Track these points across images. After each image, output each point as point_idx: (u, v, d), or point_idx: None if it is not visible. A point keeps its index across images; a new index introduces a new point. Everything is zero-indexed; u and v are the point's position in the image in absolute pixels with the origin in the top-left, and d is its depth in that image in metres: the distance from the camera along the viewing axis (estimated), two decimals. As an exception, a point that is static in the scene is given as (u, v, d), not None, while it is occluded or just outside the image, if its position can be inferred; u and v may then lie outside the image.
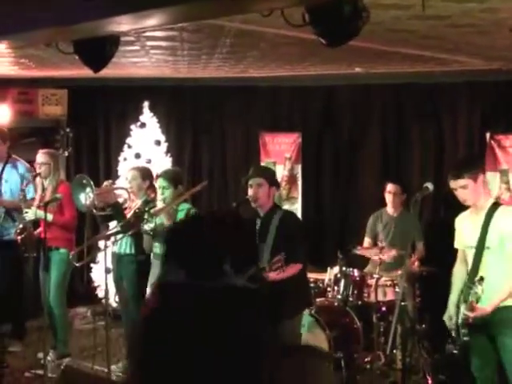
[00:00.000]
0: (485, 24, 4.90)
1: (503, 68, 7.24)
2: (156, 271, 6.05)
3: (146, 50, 6.38)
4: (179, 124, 9.42)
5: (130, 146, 8.50)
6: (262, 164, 8.79)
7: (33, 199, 6.74)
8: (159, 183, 6.01)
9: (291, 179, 8.93)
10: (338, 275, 6.58)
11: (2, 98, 8.73)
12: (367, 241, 7.31)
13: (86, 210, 6.12)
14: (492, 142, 7.85)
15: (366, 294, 6.51)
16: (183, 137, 9.45)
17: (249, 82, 9.03)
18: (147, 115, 8.55)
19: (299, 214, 8.55)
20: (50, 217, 6.20)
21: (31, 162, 7.03)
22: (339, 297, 6.52)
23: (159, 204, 5.97)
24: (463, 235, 4.81)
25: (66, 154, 8.68)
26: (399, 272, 6.39)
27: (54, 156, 6.77)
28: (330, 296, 6.66)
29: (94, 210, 6.09)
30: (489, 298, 4.50)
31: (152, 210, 5.86)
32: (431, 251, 7.08)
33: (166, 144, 8.65)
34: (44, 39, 5.03)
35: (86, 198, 5.94)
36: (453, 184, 4.62)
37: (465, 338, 4.60)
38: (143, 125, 8.51)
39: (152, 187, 6.39)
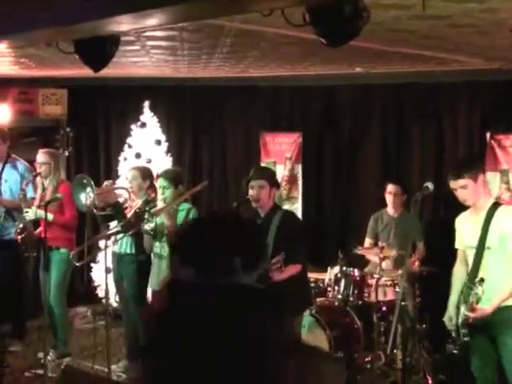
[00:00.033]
0: (485, 24, 4.90)
1: (503, 68, 7.25)
2: (156, 271, 6.05)
3: (146, 49, 6.38)
4: (179, 124, 9.42)
5: (130, 146, 8.50)
6: (262, 164, 8.80)
7: (33, 199, 6.74)
8: (160, 183, 6.01)
9: (291, 179, 8.93)
10: (339, 275, 6.58)
11: (3, 98, 8.73)
12: (368, 241, 7.31)
13: (86, 210, 6.13)
14: (492, 141, 7.84)
15: (366, 294, 6.51)
16: (183, 136, 9.45)
17: (249, 82, 9.03)
18: (147, 115, 8.55)
19: (299, 214, 8.55)
20: (50, 216, 6.20)
21: (31, 162, 7.03)
22: (339, 297, 6.52)
23: (160, 204, 5.97)
24: (463, 235, 4.80)
25: (67, 153, 8.68)
26: (399, 272, 6.39)
27: (55, 156, 6.77)
28: (330, 296, 6.67)
29: (95, 210, 6.09)
30: (489, 299, 4.50)
31: (152, 210, 5.86)
32: (431, 251, 7.09)
33: (167, 144, 8.65)
34: (44, 39, 5.03)
35: (86, 197, 5.94)
36: (453, 184, 4.62)
37: (465, 339, 4.60)
38: (143, 124, 8.51)
39: (152, 187, 6.39)
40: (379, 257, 6.51)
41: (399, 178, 8.11)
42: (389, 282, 6.53)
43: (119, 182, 7.79)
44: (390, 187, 7.24)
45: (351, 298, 6.50)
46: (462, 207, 4.80)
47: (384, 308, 6.44)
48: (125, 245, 6.35)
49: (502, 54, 6.41)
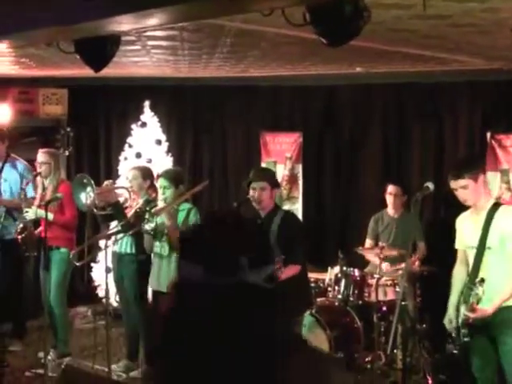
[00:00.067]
0: (486, 24, 4.90)
1: (504, 68, 7.24)
2: (156, 270, 6.05)
3: (146, 49, 6.37)
4: (180, 123, 9.42)
5: (130, 146, 8.50)
6: (263, 164, 8.80)
7: (33, 198, 6.74)
8: (160, 183, 6.01)
9: (292, 179, 8.92)
10: (339, 275, 6.58)
11: (3, 98, 8.73)
12: (369, 242, 7.31)
13: (86, 210, 6.13)
14: (493, 141, 7.84)
15: (366, 294, 6.52)
16: (184, 136, 9.44)
17: (249, 82, 9.02)
18: (148, 115, 8.54)
19: (300, 214, 8.56)
20: (50, 216, 6.20)
21: (32, 162, 7.03)
22: (340, 296, 6.52)
23: (160, 204, 5.96)
24: (464, 235, 4.80)
25: (67, 153, 8.68)
26: (400, 272, 6.39)
27: (55, 155, 6.77)
28: (330, 296, 6.67)
29: (95, 210, 6.09)
30: (490, 299, 4.49)
31: (153, 210, 5.86)
32: (432, 251, 7.09)
33: (167, 143, 8.64)
34: (45, 39, 5.03)
35: (86, 197, 5.94)
36: (453, 184, 4.61)
37: (465, 339, 4.60)
38: (144, 124, 8.50)
39: (153, 187, 6.39)
40: (379, 257, 6.51)
41: (400, 177, 8.12)
42: (389, 282, 6.54)
43: (119, 182, 7.79)
44: (391, 188, 7.24)
45: (351, 298, 6.50)
46: (463, 207, 4.80)
47: (384, 308, 6.44)
48: (125, 244, 6.35)
49: (503, 54, 6.40)
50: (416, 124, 8.69)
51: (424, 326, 6.34)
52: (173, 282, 5.78)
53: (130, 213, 6.13)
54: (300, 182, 8.95)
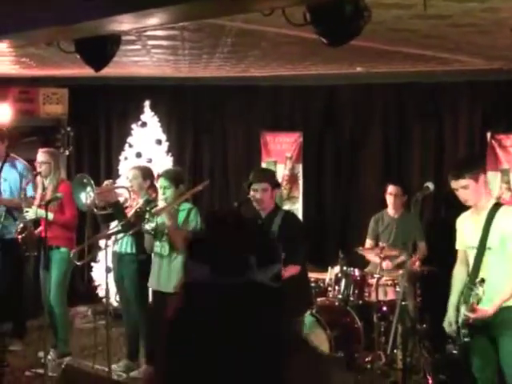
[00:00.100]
0: (486, 24, 4.90)
1: (504, 68, 7.24)
2: (156, 270, 6.05)
3: (147, 49, 6.37)
4: (180, 123, 9.42)
5: (130, 145, 8.50)
6: (263, 164, 8.80)
7: (33, 198, 6.74)
8: (160, 183, 6.01)
9: (292, 179, 8.92)
10: (339, 275, 6.58)
11: (3, 97, 8.73)
12: (369, 242, 7.31)
13: (86, 209, 6.13)
14: (493, 141, 7.84)
15: (366, 294, 6.52)
16: (184, 136, 9.44)
17: (250, 82, 9.02)
18: (148, 114, 8.54)
19: (300, 214, 8.56)
20: (50, 216, 6.19)
21: (32, 161, 7.03)
22: (340, 296, 6.52)
23: (160, 204, 5.96)
24: (464, 236, 4.79)
25: (67, 153, 8.69)
26: (400, 272, 6.39)
27: (55, 155, 6.77)
28: (330, 296, 6.67)
29: (95, 209, 6.09)
30: (490, 299, 4.49)
31: (153, 210, 5.86)
32: (432, 251, 7.09)
33: (167, 143, 8.64)
34: (45, 38, 5.03)
35: (86, 197, 5.94)
36: (454, 184, 4.61)
37: (465, 339, 4.60)
38: (144, 124, 8.50)
39: (153, 187, 6.39)
40: (380, 257, 6.51)
41: (400, 177, 8.12)
42: (389, 282, 6.54)
43: (120, 182, 7.79)
44: (391, 188, 7.24)
45: (352, 298, 6.50)
46: (463, 207, 4.80)
47: (384, 308, 6.44)
48: (125, 244, 6.35)
49: (503, 54, 6.40)
50: (416, 124, 8.69)
51: (424, 325, 6.34)
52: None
53: (130, 212, 6.13)
54: (300, 181, 8.95)
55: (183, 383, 1.87)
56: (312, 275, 6.60)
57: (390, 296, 6.48)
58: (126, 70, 8.02)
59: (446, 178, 4.76)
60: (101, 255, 7.58)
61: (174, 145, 8.98)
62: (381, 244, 6.86)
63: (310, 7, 3.73)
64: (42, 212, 6.29)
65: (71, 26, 4.31)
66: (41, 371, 6.04)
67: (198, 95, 9.24)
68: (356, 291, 6.51)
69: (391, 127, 8.89)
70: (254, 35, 5.51)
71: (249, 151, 9.30)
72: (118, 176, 8.33)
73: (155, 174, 6.56)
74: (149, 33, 5.36)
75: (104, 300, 6.55)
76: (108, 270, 5.93)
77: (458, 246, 4.87)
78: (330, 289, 6.70)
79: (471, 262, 4.66)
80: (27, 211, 6.54)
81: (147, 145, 8.45)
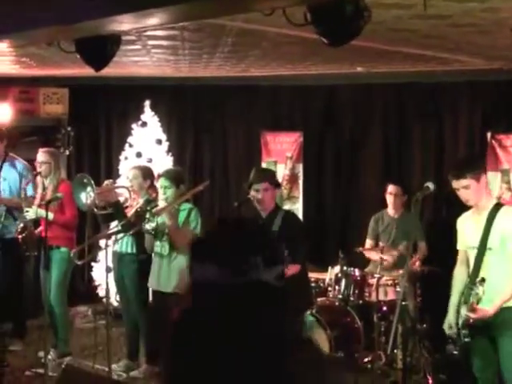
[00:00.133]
0: (486, 24, 4.90)
1: (504, 68, 7.24)
2: (156, 270, 6.05)
3: (147, 49, 6.37)
4: (180, 123, 9.42)
5: (131, 145, 8.50)
6: (263, 164, 8.80)
7: (33, 198, 6.74)
8: (161, 183, 6.01)
9: (292, 178, 8.92)
10: (339, 275, 6.58)
11: (4, 97, 8.73)
12: (369, 242, 7.31)
13: (86, 209, 6.13)
14: (493, 141, 7.84)
15: (366, 294, 6.52)
16: (184, 136, 9.44)
17: (250, 82, 9.02)
18: (148, 114, 8.54)
19: (300, 214, 8.56)
20: (50, 216, 6.19)
21: (32, 161, 7.03)
22: (340, 296, 6.52)
23: (161, 204, 5.96)
24: (465, 236, 4.79)
25: (67, 152, 8.69)
26: (400, 272, 6.39)
27: (55, 155, 6.77)
28: (330, 295, 6.66)
29: (95, 209, 6.09)
30: (490, 299, 4.49)
31: (154, 210, 5.86)
32: (433, 251, 7.08)
33: (167, 143, 8.64)
34: (45, 38, 5.03)
35: (86, 197, 5.94)
36: (455, 184, 4.61)
37: (466, 339, 4.60)
38: (144, 124, 8.50)
39: (153, 187, 6.39)
40: (380, 257, 6.51)
41: (400, 177, 8.12)
42: (389, 282, 6.54)
43: (120, 182, 7.78)
44: (391, 188, 7.24)
45: (352, 298, 6.50)
46: (463, 207, 4.80)
47: (385, 308, 6.44)
48: (125, 244, 6.35)
49: (503, 54, 6.40)
50: (416, 124, 8.69)
51: (424, 325, 6.34)
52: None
53: (130, 212, 6.13)
54: (300, 181, 8.95)
55: (186, 383, 1.88)
56: (312, 275, 6.60)
57: (390, 296, 6.48)
58: (127, 70, 8.02)
59: (446, 178, 4.76)
60: (101, 255, 7.58)
61: (174, 145, 8.97)
62: (381, 244, 6.86)
63: (310, 7, 3.73)
64: (42, 212, 6.29)
65: (71, 26, 4.31)
66: (41, 371, 6.04)
67: (198, 95, 9.24)
68: (356, 291, 6.51)
69: (391, 127, 8.89)
70: (254, 35, 5.51)
71: (249, 151, 9.30)
72: (118, 176, 8.33)
73: (155, 174, 6.56)
74: (149, 33, 5.36)
75: (104, 300, 6.55)
76: (108, 270, 5.93)
77: (459, 246, 4.87)
78: (330, 289, 6.70)
79: (472, 262, 4.66)
80: (27, 211, 6.54)
81: (147, 145, 8.45)
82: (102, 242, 6.73)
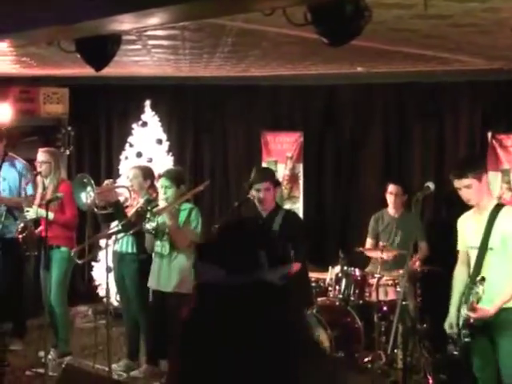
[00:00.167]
0: (486, 24, 4.90)
1: (505, 68, 7.23)
2: (156, 270, 6.05)
3: (147, 48, 6.37)
4: (181, 123, 9.42)
5: (131, 145, 8.50)
6: (264, 164, 8.80)
7: (33, 197, 6.74)
8: (161, 183, 6.01)
9: (293, 178, 8.92)
10: (340, 274, 6.58)
11: (4, 97, 8.72)
12: (369, 242, 7.31)
13: (87, 209, 6.13)
14: (493, 141, 7.83)
15: (367, 294, 6.52)
16: (185, 136, 9.44)
17: (250, 81, 9.02)
18: (149, 114, 8.54)
19: (300, 214, 8.55)
20: (51, 215, 6.20)
21: (32, 161, 7.03)
22: (340, 296, 6.52)
23: (161, 203, 5.97)
24: (466, 236, 4.79)
25: (68, 152, 8.69)
26: (400, 272, 6.39)
27: (55, 154, 6.77)
28: (331, 295, 6.67)
29: (95, 209, 6.09)
30: (490, 300, 4.49)
31: (154, 210, 5.87)
32: (433, 251, 7.08)
33: (168, 143, 8.64)
34: (45, 38, 5.03)
35: (87, 196, 5.94)
36: (457, 183, 4.61)
37: (466, 339, 4.60)
38: (145, 124, 8.50)
39: (153, 187, 6.40)
40: (380, 257, 6.51)
41: (400, 177, 8.12)
42: (390, 282, 6.53)
43: (120, 181, 7.79)
44: (391, 187, 7.24)
45: (352, 298, 6.50)
46: (464, 207, 4.80)
47: (385, 308, 6.44)
48: (126, 244, 6.36)
49: (504, 54, 6.40)
50: (417, 124, 8.69)
51: (424, 325, 6.34)
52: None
53: (130, 212, 6.13)
54: (301, 181, 8.95)
55: (197, 383, 1.88)
56: (312, 275, 6.61)
57: (391, 296, 6.48)
58: (127, 70, 8.02)
59: (447, 178, 4.76)
60: (101, 255, 7.58)
61: (175, 144, 8.97)
62: (381, 243, 6.86)
63: (310, 7, 3.73)
64: (42, 211, 6.30)
65: (72, 26, 4.30)
66: (41, 371, 6.05)
67: (198, 95, 9.24)
68: (356, 291, 6.51)
69: (391, 127, 8.89)
70: (254, 35, 5.50)
71: (249, 151, 9.30)
72: (118, 175, 8.33)
73: (156, 174, 6.56)
74: (149, 32, 5.36)
75: (104, 299, 6.55)
76: (108, 270, 5.93)
77: (460, 247, 4.86)
78: (330, 289, 6.70)
79: (472, 262, 4.66)
80: (28, 211, 6.54)
81: (148, 144, 8.45)
82: (103, 242, 6.74)
